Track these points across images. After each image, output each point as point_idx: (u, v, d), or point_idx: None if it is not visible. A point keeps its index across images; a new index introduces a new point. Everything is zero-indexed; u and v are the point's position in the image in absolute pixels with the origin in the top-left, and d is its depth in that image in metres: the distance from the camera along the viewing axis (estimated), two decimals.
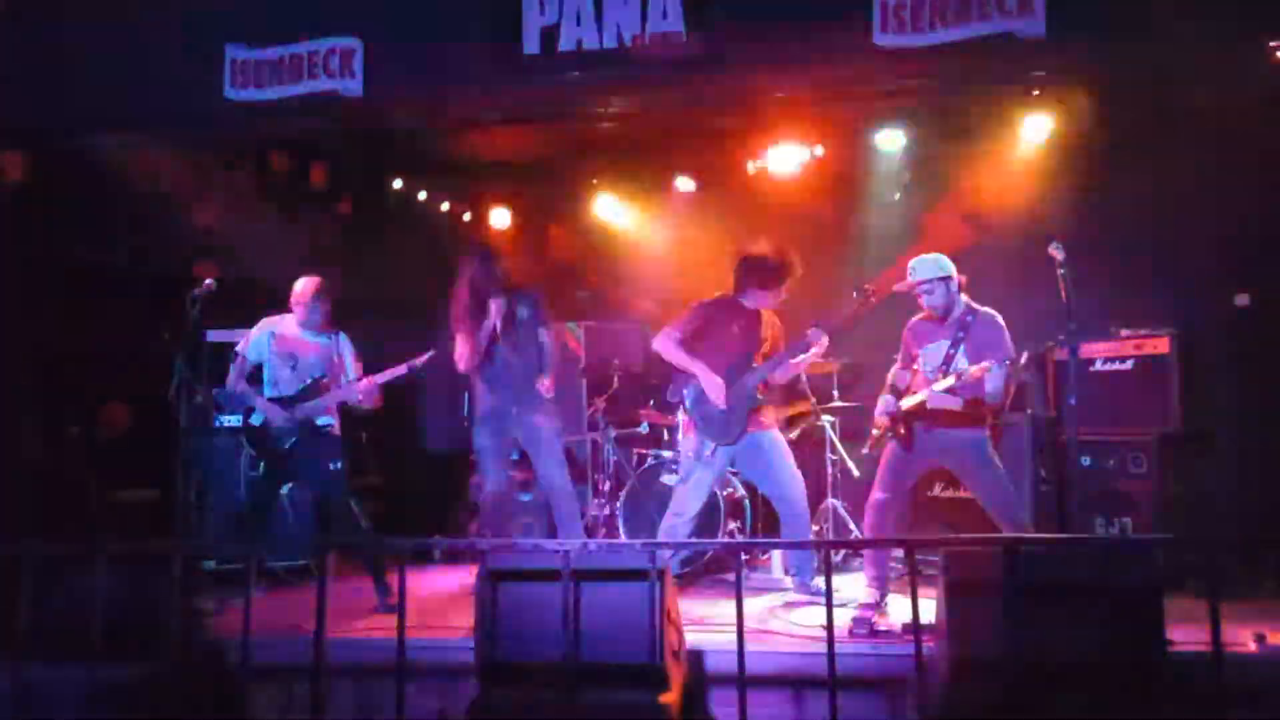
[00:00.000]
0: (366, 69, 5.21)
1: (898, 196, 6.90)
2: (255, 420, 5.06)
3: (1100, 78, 5.23)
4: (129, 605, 3.51)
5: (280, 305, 5.21)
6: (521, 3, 5.01)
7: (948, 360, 4.52)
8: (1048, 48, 4.53)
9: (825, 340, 4.90)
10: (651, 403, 6.70)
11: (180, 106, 5.50)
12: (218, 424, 5.62)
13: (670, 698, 3.28)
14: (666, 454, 6.24)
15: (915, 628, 3.18)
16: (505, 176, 7.58)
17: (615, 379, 6.81)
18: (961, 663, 3.19)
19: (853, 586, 5.12)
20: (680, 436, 5.52)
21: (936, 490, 5.63)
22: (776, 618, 4.62)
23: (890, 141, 6.51)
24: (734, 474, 5.75)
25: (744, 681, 3.14)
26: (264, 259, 5.98)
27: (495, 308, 5.06)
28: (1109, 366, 5.58)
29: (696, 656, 3.80)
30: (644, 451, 6.51)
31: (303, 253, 5.92)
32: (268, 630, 4.22)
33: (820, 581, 4.44)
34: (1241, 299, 5.86)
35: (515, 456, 5.62)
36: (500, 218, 8.05)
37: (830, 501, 6.03)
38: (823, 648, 3.19)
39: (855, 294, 4.77)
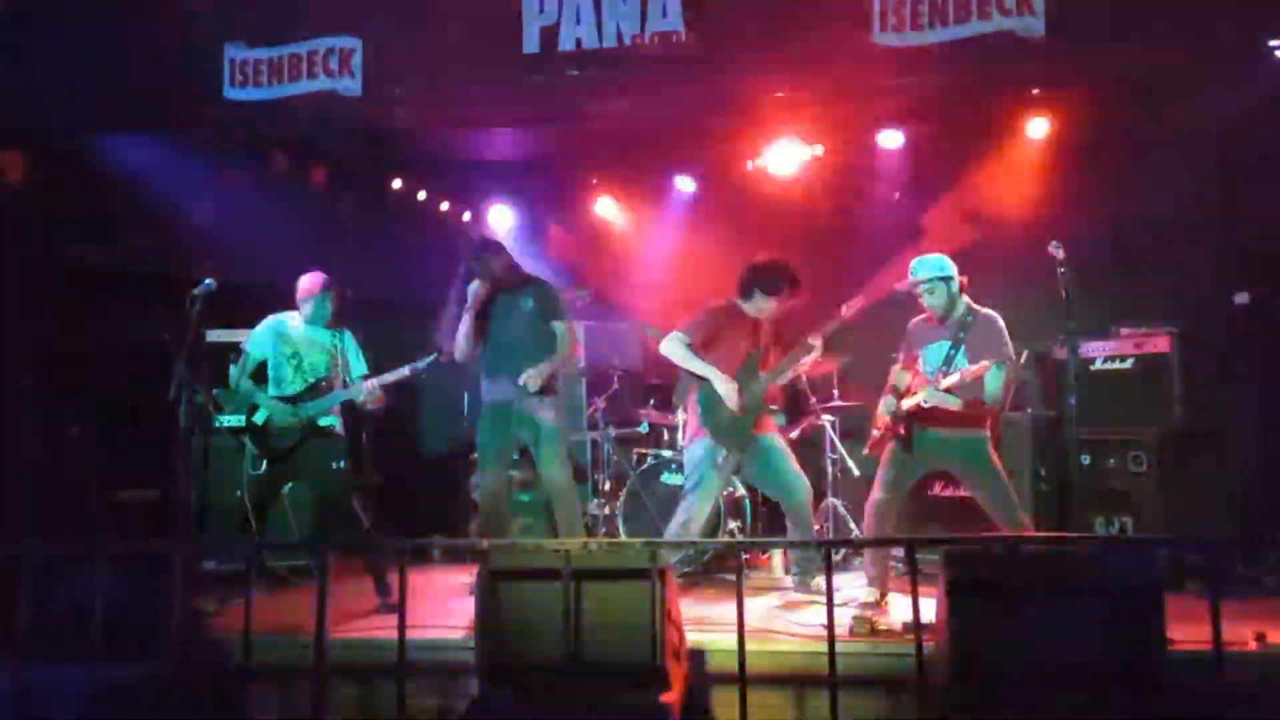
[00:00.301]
0: (366, 69, 5.22)
1: (897, 196, 6.90)
2: (259, 419, 5.05)
3: (1100, 77, 5.23)
4: (129, 605, 3.51)
5: (279, 305, 5.21)
6: (521, 2, 5.01)
7: (948, 361, 4.53)
8: (1047, 47, 4.53)
9: (820, 346, 4.92)
10: (651, 402, 6.70)
11: (180, 106, 5.50)
12: (218, 424, 5.61)
13: (671, 697, 3.28)
14: (666, 454, 6.24)
15: (916, 627, 3.18)
16: (505, 176, 7.58)
17: (615, 379, 6.81)
18: (962, 662, 3.19)
19: (853, 586, 5.13)
20: (684, 444, 5.51)
21: (936, 490, 5.62)
22: (777, 617, 4.61)
23: (891, 140, 6.51)
24: (735, 474, 5.75)
25: (745, 681, 3.14)
26: (264, 259, 5.98)
27: (473, 294, 5.06)
28: (1109, 365, 5.58)
29: (697, 656, 3.79)
30: (644, 451, 6.51)
31: (302, 252, 5.92)
32: (268, 630, 4.24)
33: (821, 581, 4.44)
34: (1241, 297, 5.86)
35: (516, 456, 5.61)
36: (500, 217, 8.06)
37: (830, 501, 6.03)
38: (823, 647, 3.20)
39: (843, 309, 4.80)
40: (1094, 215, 5.91)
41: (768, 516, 5.93)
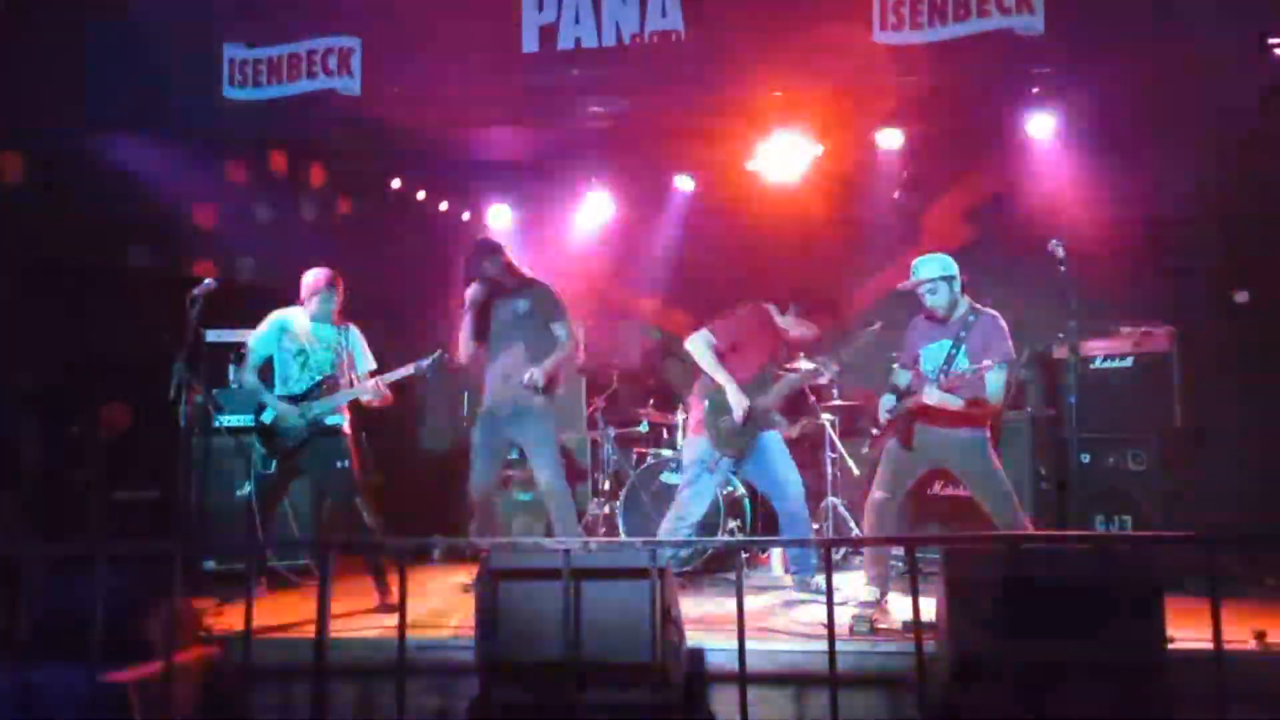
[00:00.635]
0: (364, 68, 5.21)
1: (897, 195, 6.90)
2: (266, 418, 5.02)
3: (1099, 75, 5.23)
4: (129, 605, 3.51)
5: (279, 305, 5.20)
6: (521, 1, 5.01)
7: (949, 360, 4.52)
8: (1046, 45, 4.53)
9: (838, 369, 5.03)
10: (651, 402, 6.70)
11: (179, 106, 5.50)
12: (217, 424, 5.61)
13: (671, 697, 3.28)
14: (666, 453, 6.24)
15: (916, 626, 3.18)
16: (504, 175, 7.58)
17: (615, 378, 6.81)
18: (961, 661, 3.19)
19: (853, 585, 5.13)
20: (684, 436, 5.51)
21: (936, 489, 5.62)
22: (777, 616, 4.61)
23: (890, 139, 6.51)
24: (733, 472, 5.75)
25: (744, 680, 3.14)
26: (263, 259, 5.98)
27: (470, 297, 5.10)
28: (1109, 364, 5.58)
29: (697, 655, 3.79)
30: (643, 450, 6.51)
31: (302, 252, 5.92)
32: (268, 630, 4.24)
33: (820, 580, 4.44)
34: (1241, 296, 5.86)
35: (514, 455, 5.62)
36: (499, 216, 8.06)
37: (830, 500, 6.03)
38: (823, 646, 3.19)
39: (866, 328, 4.85)
40: (1094, 215, 5.91)
41: (767, 515, 5.93)
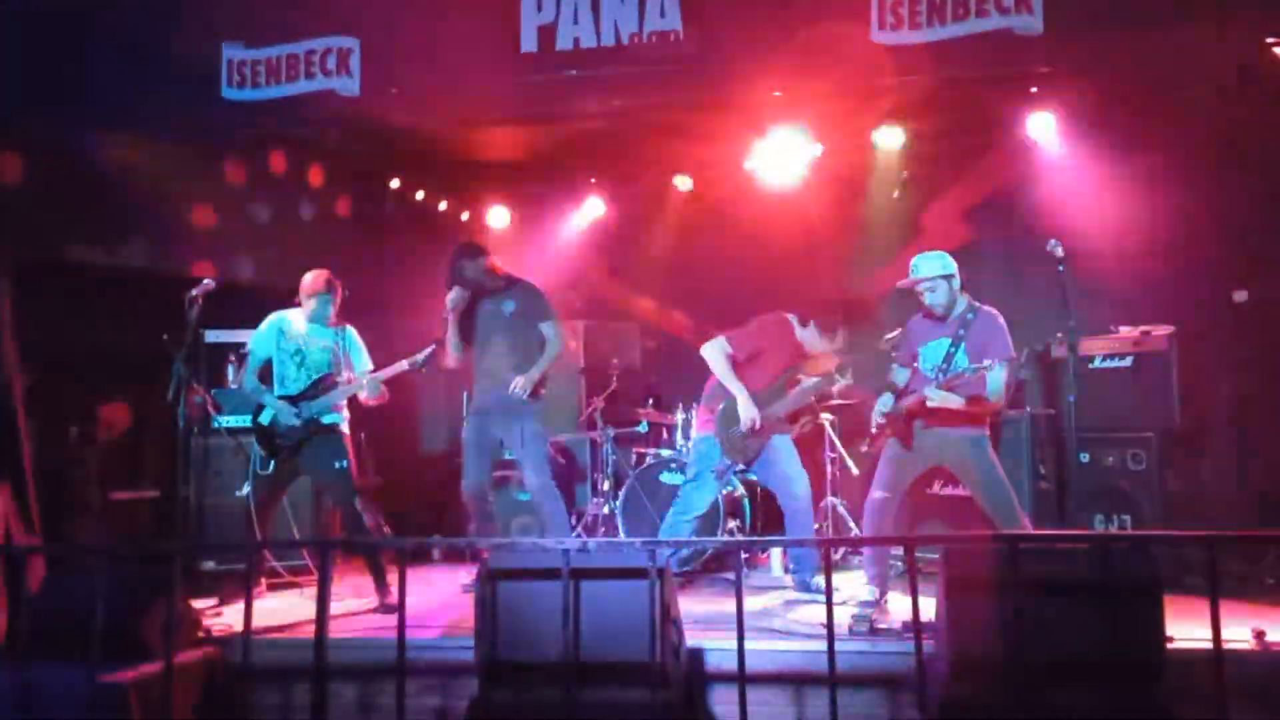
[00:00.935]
0: (363, 68, 5.21)
1: (897, 194, 6.90)
2: (264, 419, 5.04)
3: (1098, 75, 5.23)
4: (129, 605, 3.51)
5: (278, 305, 5.20)
6: (519, 1, 5.01)
7: (948, 358, 4.52)
8: (1045, 44, 4.53)
9: (849, 381, 5.11)
10: (651, 402, 6.70)
11: (178, 106, 5.50)
12: (217, 424, 5.61)
13: (670, 696, 3.28)
14: (666, 453, 6.24)
15: (915, 625, 3.18)
16: (503, 175, 7.58)
17: (614, 379, 6.81)
18: (961, 660, 3.19)
19: (852, 584, 5.13)
20: (690, 433, 5.50)
21: (936, 488, 5.63)
22: (776, 616, 4.62)
23: (889, 139, 6.51)
24: (738, 472, 5.75)
25: (744, 680, 3.14)
26: (263, 259, 5.97)
27: (452, 301, 5.13)
28: (1108, 363, 5.58)
29: (696, 655, 3.79)
30: (643, 451, 6.51)
31: (301, 252, 5.92)
32: (268, 630, 4.24)
33: (820, 579, 4.44)
34: (1240, 295, 5.86)
35: (509, 455, 5.62)
36: (498, 216, 8.05)
37: (830, 499, 6.03)
38: (823, 645, 3.19)
39: (881, 343, 4.91)
40: (1093, 215, 5.91)
41: (767, 515, 5.93)
